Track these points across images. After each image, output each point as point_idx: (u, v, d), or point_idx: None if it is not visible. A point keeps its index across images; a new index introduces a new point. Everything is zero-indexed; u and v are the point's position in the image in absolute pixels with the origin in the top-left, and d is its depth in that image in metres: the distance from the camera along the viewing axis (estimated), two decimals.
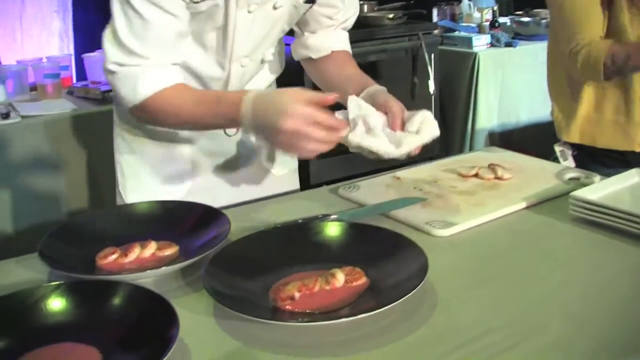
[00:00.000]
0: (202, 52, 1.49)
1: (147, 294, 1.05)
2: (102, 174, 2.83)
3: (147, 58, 1.37)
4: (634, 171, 1.50)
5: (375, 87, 1.49)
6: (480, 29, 4.10)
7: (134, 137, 1.60)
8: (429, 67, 3.69)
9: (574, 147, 2.21)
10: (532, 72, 3.84)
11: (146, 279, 1.18)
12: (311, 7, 1.56)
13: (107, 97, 2.91)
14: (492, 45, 3.96)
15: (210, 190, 1.60)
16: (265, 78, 1.67)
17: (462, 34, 4.07)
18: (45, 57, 3.37)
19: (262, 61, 1.60)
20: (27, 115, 2.77)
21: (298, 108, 1.23)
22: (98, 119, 2.80)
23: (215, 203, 1.41)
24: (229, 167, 1.66)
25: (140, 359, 0.93)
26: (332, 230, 1.26)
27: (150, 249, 1.25)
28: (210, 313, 1.09)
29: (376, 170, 1.74)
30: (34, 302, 1.06)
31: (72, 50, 3.79)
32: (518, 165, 1.67)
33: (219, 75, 1.52)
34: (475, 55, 3.82)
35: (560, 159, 2.18)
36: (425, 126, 1.34)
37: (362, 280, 1.11)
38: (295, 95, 1.26)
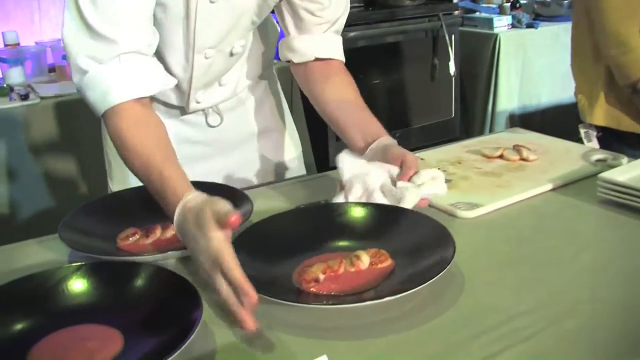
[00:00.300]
0: (166, 42, 1.38)
1: (170, 275, 1.04)
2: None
3: (119, 42, 1.20)
4: None
5: (387, 141, 1.36)
6: (501, 10, 4.06)
7: None
8: (450, 49, 3.66)
9: (598, 128, 2.18)
10: (554, 54, 3.80)
11: (167, 261, 1.17)
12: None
13: None
14: (513, 26, 3.92)
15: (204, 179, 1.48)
16: (250, 71, 1.58)
17: (483, 14, 4.03)
18: None
19: (231, 54, 1.48)
20: (45, 96, 2.76)
21: (212, 245, 0.97)
22: None
23: None
24: (220, 155, 1.60)
25: (163, 341, 0.91)
26: (357, 211, 1.24)
27: (172, 230, 1.23)
28: None
29: None
30: (55, 283, 1.05)
31: None
32: (543, 147, 1.65)
33: (183, 65, 1.43)
34: (496, 36, 3.78)
35: (585, 140, 2.15)
36: (431, 182, 1.25)
37: (388, 263, 1.10)
38: (212, 229, 0.98)
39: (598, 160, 1.55)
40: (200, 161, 1.56)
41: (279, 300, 0.97)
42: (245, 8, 1.39)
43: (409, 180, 1.25)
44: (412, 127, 3.70)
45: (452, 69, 3.64)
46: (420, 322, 0.97)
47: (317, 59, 1.50)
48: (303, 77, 1.53)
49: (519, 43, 3.86)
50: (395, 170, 1.27)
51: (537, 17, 4.09)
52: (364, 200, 1.24)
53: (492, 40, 3.80)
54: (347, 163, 1.28)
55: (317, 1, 1.45)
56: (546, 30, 3.93)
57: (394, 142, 1.36)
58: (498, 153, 1.60)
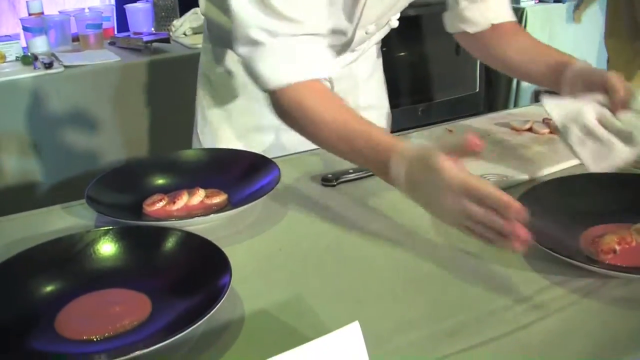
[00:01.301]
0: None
1: (199, 240, 1.03)
2: (144, 125, 2.83)
3: (301, 22, 1.16)
4: None
5: (581, 65, 1.30)
6: None
7: (218, 80, 1.54)
8: None
9: None
10: (581, 29, 3.74)
11: (194, 227, 1.16)
12: None
13: (150, 47, 2.89)
14: (540, 0, 3.86)
15: (286, 149, 1.51)
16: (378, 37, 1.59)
17: None
18: (87, 8, 3.35)
19: (387, 26, 1.50)
20: (70, 65, 2.76)
21: (455, 182, 0.93)
22: (140, 70, 2.79)
23: None
24: None
25: (191, 307, 0.90)
26: None
27: (199, 196, 1.23)
28: (260, 261, 1.07)
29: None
30: (84, 246, 1.04)
31: (113, 1, 3.77)
32: None
33: (342, 39, 1.42)
34: (522, 10, 3.74)
35: None
36: None
37: None
38: (449, 169, 0.95)
39: None
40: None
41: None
42: None
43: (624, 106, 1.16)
44: (436, 101, 3.67)
45: None
46: None
47: (493, 26, 1.48)
48: (478, 45, 1.52)
49: (545, 18, 3.81)
50: (604, 98, 1.19)
51: None
52: (589, 141, 1.16)
53: (518, 15, 3.75)
54: (554, 108, 1.19)
55: None
56: (573, 4, 3.88)
57: (585, 63, 1.31)
58: (527, 126, 1.57)
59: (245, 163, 1.32)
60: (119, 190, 1.26)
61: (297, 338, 0.80)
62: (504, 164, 1.37)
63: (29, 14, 3.07)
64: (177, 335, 0.79)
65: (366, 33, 1.44)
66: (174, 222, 1.15)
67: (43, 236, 1.11)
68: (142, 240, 1.06)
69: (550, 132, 1.54)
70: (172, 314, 0.91)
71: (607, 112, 1.17)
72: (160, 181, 1.30)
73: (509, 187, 1.27)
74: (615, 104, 1.18)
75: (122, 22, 3.42)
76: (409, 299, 0.96)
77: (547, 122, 1.56)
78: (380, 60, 1.71)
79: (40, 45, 2.92)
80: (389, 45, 3.41)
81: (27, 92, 2.64)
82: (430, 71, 3.67)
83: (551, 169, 1.35)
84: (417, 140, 1.53)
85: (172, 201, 1.22)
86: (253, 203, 1.17)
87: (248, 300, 0.96)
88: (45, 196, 2.66)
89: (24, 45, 2.96)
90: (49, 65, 2.71)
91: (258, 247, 1.11)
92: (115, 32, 3.35)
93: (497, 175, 1.31)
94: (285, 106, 1.18)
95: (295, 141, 1.35)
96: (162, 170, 1.33)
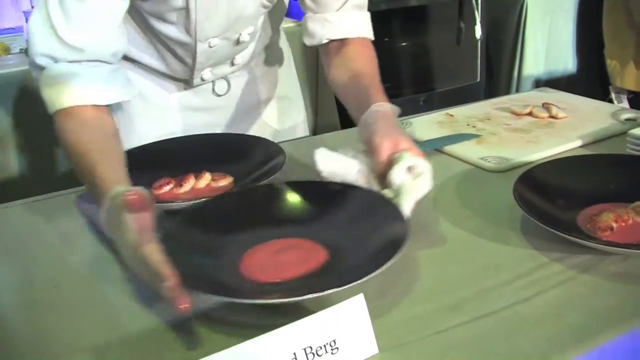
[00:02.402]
0: (167, 30, 1.36)
1: (379, 199, 1.05)
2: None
3: (82, 50, 1.18)
4: None
5: (369, 113, 1.18)
6: None
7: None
8: (476, 12, 3.63)
9: (630, 91, 2.18)
10: (582, 18, 3.76)
11: None
12: None
13: None
14: None
15: None
16: (260, 44, 1.56)
17: None
18: None
19: (238, 42, 1.43)
20: None
21: (126, 237, 0.92)
22: None
23: None
24: (222, 123, 1.59)
25: (367, 259, 0.93)
26: None
27: (205, 179, 1.25)
28: None
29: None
30: (270, 197, 1.12)
31: None
32: (572, 105, 1.64)
33: (185, 53, 1.41)
34: (523, 0, 3.74)
35: (615, 101, 2.15)
36: (409, 182, 1.05)
37: None
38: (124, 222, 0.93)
39: (628, 119, 1.55)
40: (203, 129, 1.50)
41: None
42: None
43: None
44: (437, 90, 3.69)
45: (478, 33, 3.61)
46: None
47: (331, 41, 1.41)
48: (327, 66, 1.43)
49: (546, 8, 3.81)
50: (367, 159, 1.13)
51: None
52: None
53: (519, 4, 3.76)
54: (322, 160, 1.12)
55: None
56: None
57: (381, 111, 1.18)
58: (527, 110, 1.60)
59: (251, 147, 1.34)
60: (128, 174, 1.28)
61: (303, 310, 0.82)
62: (504, 147, 1.40)
63: (32, 7, 3.09)
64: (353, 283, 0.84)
65: (210, 47, 1.40)
66: (180, 203, 1.17)
67: (44, 224, 1.16)
68: (322, 195, 1.10)
69: (550, 117, 1.57)
70: (348, 264, 0.96)
71: (370, 178, 1.11)
72: (168, 165, 1.32)
73: (509, 169, 1.30)
74: (376, 167, 1.10)
75: None
76: (412, 276, 0.98)
77: (546, 106, 1.59)
78: (284, 51, 1.69)
79: None
80: (390, 36, 3.44)
81: (32, 84, 2.65)
82: (431, 61, 3.68)
83: (550, 152, 1.38)
84: (417, 125, 1.55)
85: (179, 184, 1.24)
86: (258, 185, 1.20)
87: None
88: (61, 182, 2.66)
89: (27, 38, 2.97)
90: None
91: None
92: None
93: (497, 158, 1.34)
94: (56, 130, 1.17)
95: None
96: (169, 154, 1.36)
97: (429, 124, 1.56)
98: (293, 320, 0.76)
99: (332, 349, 0.77)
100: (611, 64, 2.22)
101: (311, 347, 0.76)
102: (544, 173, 1.19)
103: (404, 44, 3.56)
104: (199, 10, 1.31)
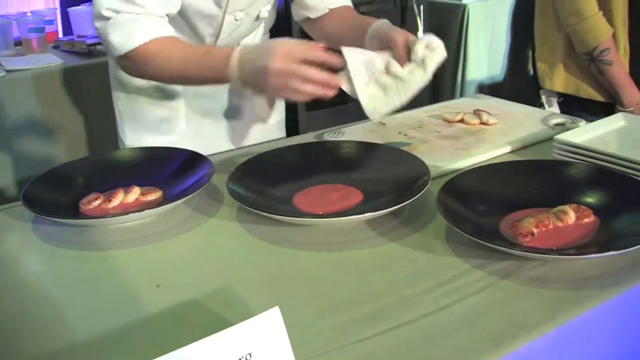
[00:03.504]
0: (196, 2, 1.46)
1: (403, 154, 1.36)
2: (92, 126, 2.83)
3: (142, 6, 1.34)
4: (619, 115, 1.50)
5: (377, 24, 1.44)
6: None
7: (130, 79, 1.58)
8: (418, 19, 3.65)
9: (560, 94, 2.22)
10: (521, 23, 3.81)
11: (130, 223, 1.19)
12: None
13: (94, 50, 2.89)
14: None
15: (203, 137, 1.61)
16: (260, 35, 1.68)
17: None
18: (30, 11, 3.33)
19: (258, 17, 1.58)
20: (12, 69, 2.74)
21: (285, 47, 1.22)
22: (85, 72, 2.78)
23: (207, 149, 1.43)
24: (219, 113, 1.66)
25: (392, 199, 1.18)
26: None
27: (134, 194, 1.25)
28: (193, 254, 1.11)
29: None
30: (314, 152, 1.41)
31: (57, 4, 3.74)
32: (504, 111, 1.67)
33: (211, 25, 1.50)
34: (464, 7, 3.78)
35: (546, 105, 2.19)
36: (430, 54, 1.29)
37: (591, 219, 1.11)
38: (282, 40, 1.25)
39: (557, 124, 1.58)
40: (207, 117, 1.64)
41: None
42: None
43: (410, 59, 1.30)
44: None
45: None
46: None
47: (330, 10, 1.64)
48: (317, 28, 1.67)
49: (487, 13, 3.86)
50: (391, 53, 1.32)
51: None
52: (371, 86, 1.28)
53: (460, 11, 3.80)
54: (350, 53, 1.27)
55: None
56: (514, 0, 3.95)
57: (382, 23, 1.44)
58: (458, 117, 1.62)
59: (179, 160, 1.34)
60: (56, 191, 1.28)
61: (224, 325, 0.82)
62: (434, 155, 1.41)
63: None
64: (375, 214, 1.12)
65: (235, 20, 1.51)
66: (109, 219, 1.17)
67: None
68: (360, 152, 1.39)
69: (481, 123, 1.59)
70: (378, 203, 1.19)
71: (393, 63, 1.29)
72: (97, 181, 1.32)
73: (438, 177, 1.31)
74: (400, 58, 1.30)
75: (67, 24, 3.40)
76: (334, 285, 0.99)
77: (477, 113, 1.61)
78: None
79: None
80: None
81: None
82: None
83: (479, 158, 1.40)
84: (350, 134, 1.56)
85: (108, 199, 1.24)
86: (186, 198, 1.20)
87: (180, 290, 0.99)
88: None
89: None
90: None
91: (191, 241, 1.14)
92: (61, 36, 3.33)
93: (428, 165, 1.35)
94: (139, 62, 1.36)
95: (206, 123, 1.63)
96: (98, 170, 1.35)
97: (361, 132, 1.57)
98: None
99: None
100: (541, 66, 2.26)
101: None
102: (469, 180, 1.21)
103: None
104: None
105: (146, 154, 1.40)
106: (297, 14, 1.68)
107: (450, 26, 3.85)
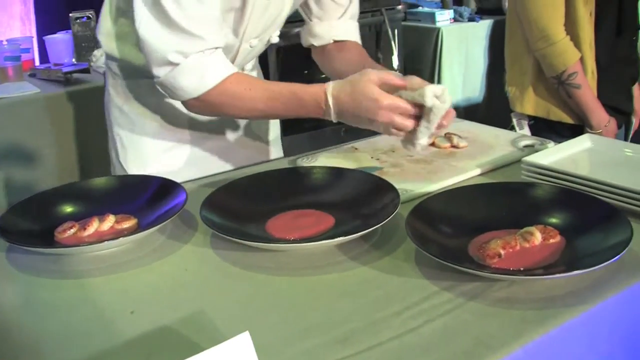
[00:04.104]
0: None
1: (379, 181, 1.36)
2: (69, 153, 2.83)
3: (205, 39, 1.35)
4: (585, 136, 1.54)
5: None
6: (443, 4, 4.13)
7: (132, 109, 1.61)
8: (393, 43, 3.71)
9: (530, 117, 2.26)
10: (495, 46, 3.87)
11: (104, 251, 1.20)
12: None
13: (70, 78, 2.90)
14: (455, 20, 3.98)
15: (205, 161, 1.66)
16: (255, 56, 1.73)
17: (425, 9, 4.09)
18: (6, 40, 3.34)
19: (268, 42, 1.64)
20: None
21: (385, 101, 1.28)
22: (61, 100, 2.78)
23: (212, 170, 1.53)
24: (222, 134, 1.70)
25: (362, 224, 1.20)
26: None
27: (109, 222, 1.26)
28: (167, 281, 1.12)
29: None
30: (288, 179, 1.43)
31: (34, 33, 3.76)
32: (474, 134, 1.70)
33: (228, 53, 1.50)
34: (438, 30, 3.84)
35: (517, 128, 2.22)
36: (436, 109, 1.30)
37: (557, 239, 1.13)
38: (373, 82, 1.31)
39: (526, 146, 1.61)
40: (212, 139, 1.68)
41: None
42: None
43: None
44: None
45: (395, 63, 3.70)
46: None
47: (335, 41, 1.69)
48: (324, 59, 1.72)
49: (461, 36, 3.92)
50: None
51: (479, 11, 4.16)
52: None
53: (434, 34, 3.86)
54: (430, 95, 1.29)
55: None
56: (487, 23, 4.00)
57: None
58: (430, 141, 1.64)
59: (153, 187, 1.36)
60: (30, 220, 1.29)
61: (196, 351, 0.84)
62: (405, 179, 1.44)
63: None
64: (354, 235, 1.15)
65: (250, 47, 1.57)
66: (83, 247, 1.18)
67: None
68: (334, 179, 1.41)
69: (452, 146, 1.62)
70: (349, 227, 1.23)
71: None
72: (71, 209, 1.33)
73: (408, 200, 1.34)
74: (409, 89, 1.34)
75: (44, 52, 3.42)
76: (305, 309, 1.01)
77: (448, 136, 1.64)
78: (260, 74, 1.85)
79: None
80: (309, 68, 3.47)
81: None
82: None
83: (449, 181, 1.43)
84: (323, 159, 1.59)
85: (83, 228, 1.25)
86: (160, 225, 1.22)
87: (153, 316, 1.00)
88: None
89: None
90: None
91: (165, 268, 1.16)
92: (37, 64, 3.35)
93: (399, 190, 1.37)
94: (214, 104, 1.40)
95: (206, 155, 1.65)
96: (73, 198, 1.36)
97: (334, 157, 1.60)
98: None
99: None
100: (511, 90, 2.30)
101: None
102: (437, 203, 1.24)
103: (323, 76, 3.60)
104: (256, 10, 1.47)
105: (120, 182, 1.41)
106: (304, 39, 1.74)
107: (424, 50, 3.90)
